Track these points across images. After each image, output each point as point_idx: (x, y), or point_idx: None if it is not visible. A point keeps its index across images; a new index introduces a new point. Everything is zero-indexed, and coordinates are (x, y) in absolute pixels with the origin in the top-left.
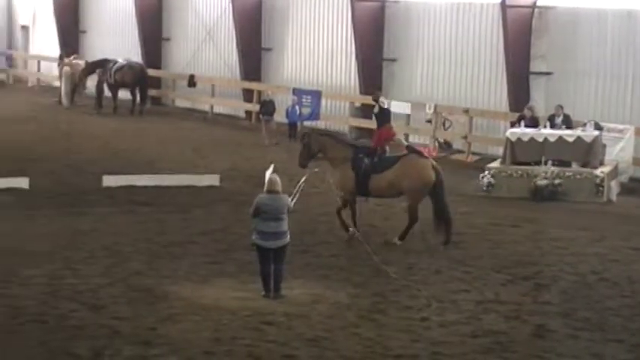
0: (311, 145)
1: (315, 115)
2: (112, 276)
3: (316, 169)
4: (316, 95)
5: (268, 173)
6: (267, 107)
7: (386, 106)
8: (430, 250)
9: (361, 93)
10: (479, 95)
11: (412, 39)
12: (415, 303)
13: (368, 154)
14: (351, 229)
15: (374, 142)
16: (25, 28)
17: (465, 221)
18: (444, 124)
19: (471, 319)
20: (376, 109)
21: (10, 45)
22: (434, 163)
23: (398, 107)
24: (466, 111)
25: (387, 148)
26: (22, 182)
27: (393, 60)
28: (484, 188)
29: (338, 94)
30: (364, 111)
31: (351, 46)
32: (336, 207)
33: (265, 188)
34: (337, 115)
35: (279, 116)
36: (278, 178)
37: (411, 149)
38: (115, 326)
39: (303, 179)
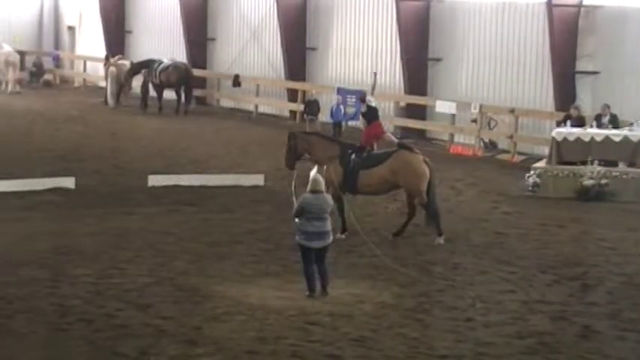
0: (297, 145)
1: (359, 114)
2: (158, 275)
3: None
4: (361, 95)
5: (312, 173)
6: (312, 107)
7: (373, 105)
8: (475, 250)
9: (406, 92)
10: (524, 95)
11: (457, 38)
12: (460, 303)
13: (356, 151)
14: (338, 234)
15: (363, 140)
16: (71, 28)
17: (510, 221)
18: (489, 124)
19: (517, 320)
20: (364, 109)
21: (57, 46)
22: (425, 157)
23: (443, 107)
24: (512, 110)
25: (375, 145)
26: (69, 182)
27: (438, 59)
28: (530, 188)
29: (383, 94)
30: (409, 110)
31: (395, 45)
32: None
33: (309, 188)
34: (382, 115)
35: (324, 116)
36: (321, 178)
37: (402, 145)
38: (161, 325)
39: (293, 180)
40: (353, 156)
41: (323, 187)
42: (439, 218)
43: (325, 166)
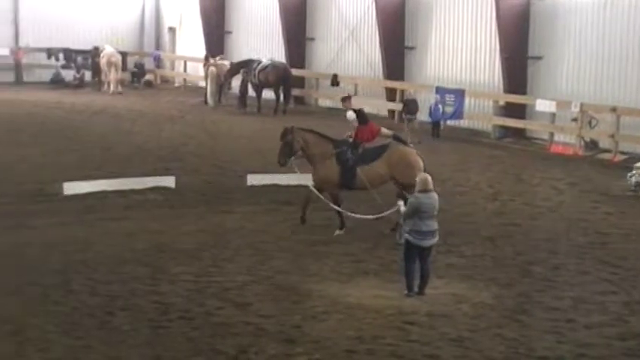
0: (294, 141)
1: (458, 113)
2: (257, 274)
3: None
4: (459, 94)
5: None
6: (410, 106)
7: (358, 108)
8: (577, 250)
9: (505, 91)
10: (626, 93)
11: (558, 36)
12: (561, 304)
13: (351, 148)
14: (336, 232)
15: (366, 138)
16: (172, 29)
17: (612, 221)
18: (590, 123)
19: (618, 321)
20: (351, 115)
21: (158, 46)
22: (418, 151)
23: (543, 106)
24: (613, 109)
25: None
26: (169, 181)
27: (539, 58)
28: (632, 188)
29: (482, 93)
30: (509, 110)
31: (495, 43)
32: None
33: (419, 188)
34: (481, 114)
35: (422, 115)
36: (429, 177)
37: (396, 137)
38: (260, 324)
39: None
40: (349, 152)
41: (432, 185)
42: None
43: (318, 164)
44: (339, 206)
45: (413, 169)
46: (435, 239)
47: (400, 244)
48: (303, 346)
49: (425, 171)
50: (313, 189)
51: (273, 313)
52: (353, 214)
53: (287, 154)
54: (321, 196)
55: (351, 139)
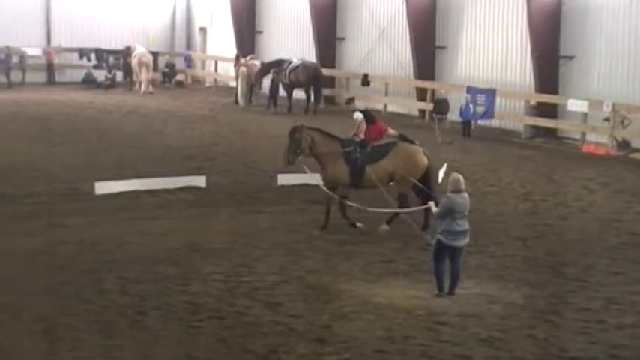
0: (302, 140)
1: (489, 113)
2: (288, 273)
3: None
4: (491, 93)
5: (441, 172)
6: (441, 106)
7: (363, 108)
8: (609, 251)
9: (536, 91)
10: None
11: (590, 35)
12: (592, 305)
13: (360, 147)
14: (359, 224)
15: (374, 137)
16: (202, 29)
17: None
18: (622, 123)
19: None
20: (359, 116)
21: (189, 46)
22: (424, 149)
23: (575, 105)
24: None
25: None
26: (200, 181)
27: (570, 57)
28: None
29: (513, 93)
30: (540, 109)
31: (526, 43)
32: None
33: (452, 188)
34: (512, 114)
35: (453, 115)
36: (462, 177)
37: (403, 137)
38: (290, 323)
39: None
40: (357, 152)
41: (464, 185)
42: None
43: (327, 163)
44: (344, 206)
45: (416, 168)
46: (467, 239)
47: (430, 245)
48: (333, 345)
49: (429, 169)
50: (324, 188)
51: (303, 313)
52: (381, 210)
53: (295, 152)
54: (334, 195)
55: (357, 139)
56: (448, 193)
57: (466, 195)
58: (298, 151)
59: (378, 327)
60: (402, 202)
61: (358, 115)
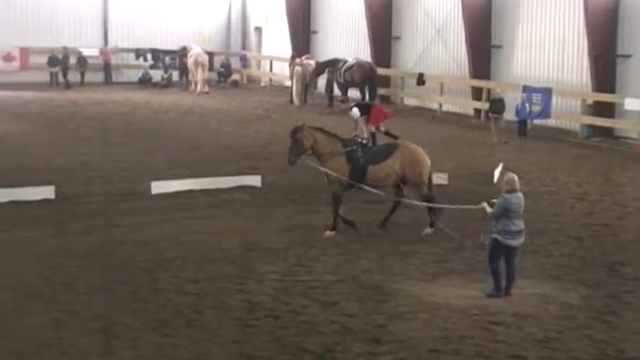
0: (304, 139)
1: (545, 113)
2: (343, 273)
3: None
4: (547, 93)
5: (497, 172)
6: (497, 105)
7: (354, 103)
8: None
9: (593, 90)
10: None
11: None
12: None
13: (362, 147)
14: (327, 232)
15: (382, 118)
16: (258, 29)
17: None
18: None
19: None
20: (356, 112)
21: (244, 46)
22: (425, 149)
23: (632, 104)
24: None
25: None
26: (255, 180)
27: (628, 56)
28: None
29: (569, 92)
30: (597, 108)
31: (583, 41)
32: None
33: (508, 188)
34: (568, 113)
35: (509, 114)
36: (516, 177)
37: (390, 134)
38: (346, 323)
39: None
40: (359, 151)
41: (518, 185)
42: (437, 211)
43: (328, 163)
44: (338, 207)
45: (423, 168)
46: (522, 239)
47: (485, 245)
48: (388, 345)
49: (431, 168)
50: (368, 188)
51: (358, 312)
52: (434, 205)
53: (297, 152)
54: (381, 193)
55: (359, 140)
56: (503, 193)
57: (520, 194)
58: (301, 152)
59: (433, 327)
60: (429, 202)
61: (355, 112)
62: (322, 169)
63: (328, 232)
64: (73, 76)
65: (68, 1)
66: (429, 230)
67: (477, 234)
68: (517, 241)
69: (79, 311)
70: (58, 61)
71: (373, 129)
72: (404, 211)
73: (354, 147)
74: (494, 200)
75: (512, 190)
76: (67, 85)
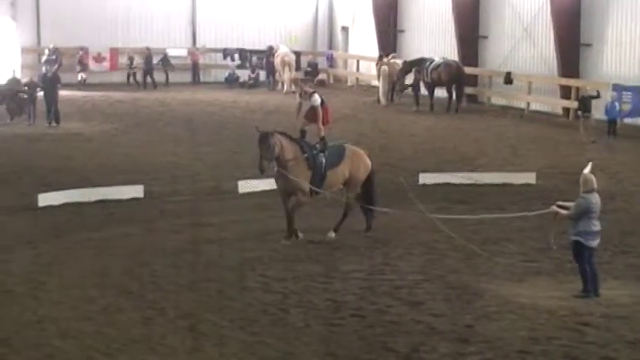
0: (275, 146)
1: (636, 111)
2: (429, 272)
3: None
4: (637, 91)
5: (586, 172)
6: (586, 104)
7: (312, 90)
8: None
9: None
10: None
11: None
12: None
13: (321, 151)
14: (300, 234)
15: (324, 121)
16: (344, 29)
17: None
18: None
19: None
20: (318, 99)
21: (331, 45)
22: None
23: None
24: None
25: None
26: None
27: None
28: None
29: None
30: None
31: None
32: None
33: (587, 188)
34: None
35: (598, 113)
36: (593, 176)
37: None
38: (432, 323)
39: None
40: (321, 156)
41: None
42: (373, 213)
43: (291, 169)
44: (292, 216)
45: (366, 171)
46: (599, 239)
47: (553, 249)
48: (475, 345)
49: (372, 171)
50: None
51: (444, 312)
52: (502, 215)
53: (270, 158)
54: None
55: (315, 144)
56: (582, 193)
57: (597, 195)
58: (272, 158)
59: (521, 327)
60: (351, 205)
61: (317, 99)
62: (290, 176)
63: (284, 242)
64: (158, 77)
65: (157, 3)
66: (332, 235)
67: (547, 237)
68: (596, 242)
69: (167, 309)
70: (135, 61)
71: (322, 133)
72: (490, 212)
73: (314, 152)
74: (561, 203)
75: (591, 190)
76: (146, 86)
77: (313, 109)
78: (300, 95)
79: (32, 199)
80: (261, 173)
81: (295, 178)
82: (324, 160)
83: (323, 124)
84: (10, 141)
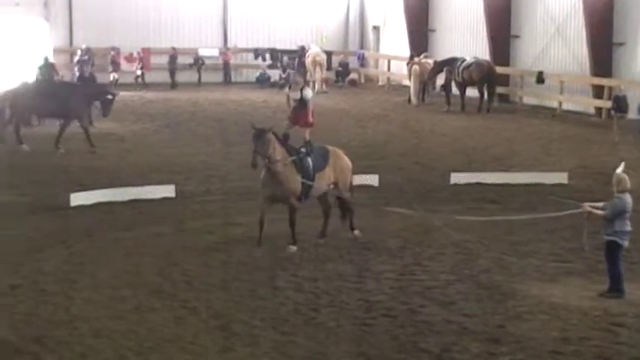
0: (270, 144)
1: None
2: (461, 273)
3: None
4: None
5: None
6: (620, 103)
7: (309, 97)
8: None
9: None
10: None
11: None
12: None
13: (309, 154)
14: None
15: (303, 123)
16: (376, 28)
17: None
18: None
19: None
20: (309, 93)
21: (362, 45)
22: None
23: None
24: None
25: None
26: (373, 179)
27: None
28: None
29: None
30: None
31: None
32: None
33: (621, 188)
34: None
35: (632, 112)
36: (626, 176)
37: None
38: (463, 323)
39: None
40: (309, 159)
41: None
42: (353, 213)
43: (280, 173)
44: (294, 220)
45: (350, 172)
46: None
47: (585, 249)
48: (506, 345)
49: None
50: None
51: (476, 312)
52: (532, 216)
53: (265, 154)
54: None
55: (299, 147)
56: (616, 193)
57: (629, 195)
58: (266, 155)
59: (553, 328)
60: (350, 205)
61: (308, 92)
62: (281, 177)
63: (292, 247)
64: (189, 76)
65: (189, 3)
66: (320, 241)
67: (580, 237)
68: (627, 242)
69: (199, 308)
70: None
71: (308, 136)
72: (522, 212)
73: (300, 155)
74: (591, 203)
75: (625, 190)
76: (173, 86)
77: (303, 103)
78: (290, 87)
79: (65, 199)
80: (254, 169)
81: (286, 182)
82: (311, 164)
83: (308, 125)
84: (44, 141)
